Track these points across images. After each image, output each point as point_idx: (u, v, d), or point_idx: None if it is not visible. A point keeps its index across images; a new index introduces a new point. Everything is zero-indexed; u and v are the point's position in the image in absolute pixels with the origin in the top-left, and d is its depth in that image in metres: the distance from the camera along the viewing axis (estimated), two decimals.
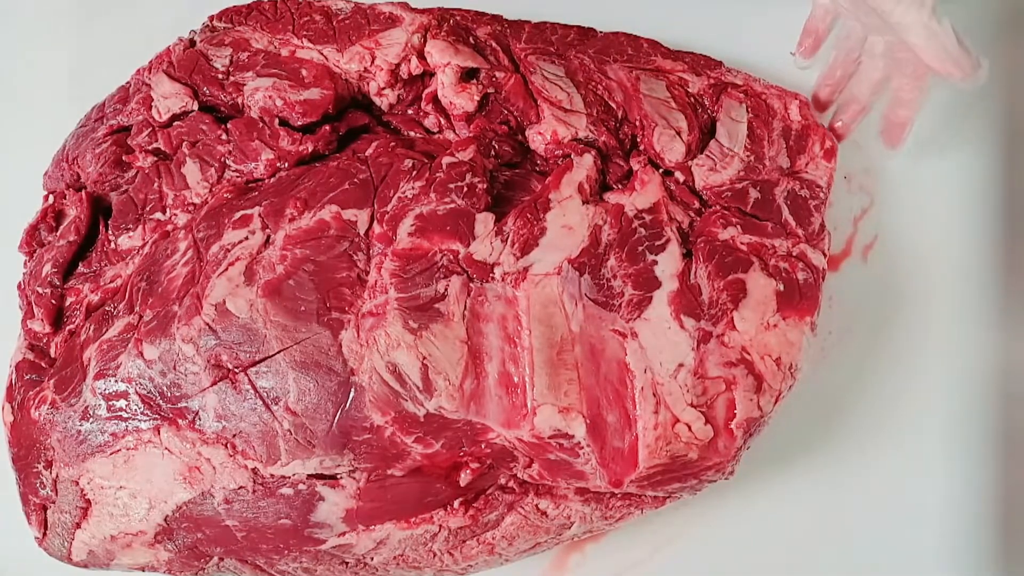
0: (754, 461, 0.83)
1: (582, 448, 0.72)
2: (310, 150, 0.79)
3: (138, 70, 0.84)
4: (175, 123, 0.81)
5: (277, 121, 0.80)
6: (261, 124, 0.80)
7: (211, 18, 0.86)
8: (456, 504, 0.76)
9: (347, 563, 0.78)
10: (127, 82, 0.84)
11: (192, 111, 0.81)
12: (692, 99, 0.82)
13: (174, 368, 0.73)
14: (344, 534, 0.75)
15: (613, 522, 0.80)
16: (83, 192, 0.81)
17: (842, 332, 0.87)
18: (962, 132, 0.89)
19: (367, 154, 0.78)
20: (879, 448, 0.87)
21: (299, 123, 0.80)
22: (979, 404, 0.87)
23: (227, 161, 0.79)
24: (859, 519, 0.86)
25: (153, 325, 0.74)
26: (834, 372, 0.87)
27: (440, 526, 0.76)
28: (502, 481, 0.76)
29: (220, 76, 0.82)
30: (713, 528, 0.86)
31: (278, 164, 0.79)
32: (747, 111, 0.82)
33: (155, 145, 0.81)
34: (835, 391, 0.87)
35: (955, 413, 0.87)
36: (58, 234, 0.80)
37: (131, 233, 0.79)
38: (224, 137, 0.79)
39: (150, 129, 0.81)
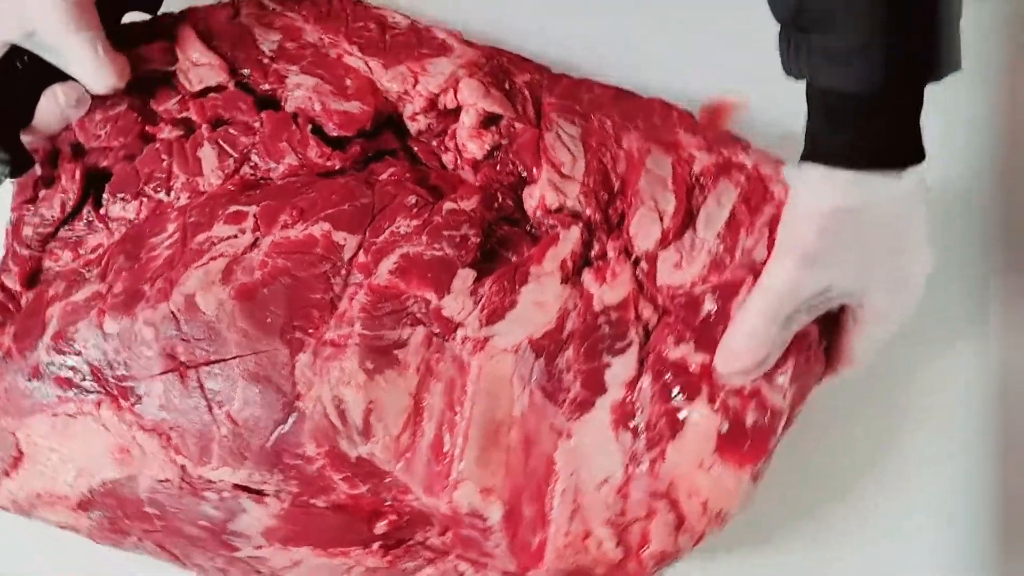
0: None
1: (494, 533, 0.70)
2: (337, 167, 0.78)
3: (160, 18, 0.82)
4: (209, 94, 0.80)
5: (310, 127, 0.78)
6: (294, 125, 0.78)
7: None
8: (375, 546, 0.75)
9: (261, 573, 0.77)
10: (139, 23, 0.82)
11: (227, 87, 0.80)
12: (692, 179, 0.77)
13: (129, 348, 0.73)
14: (261, 547, 0.75)
15: None
16: (79, 164, 0.79)
17: None
18: (962, 132, 0.88)
19: (379, 179, 0.77)
20: (877, 448, 0.85)
21: (334, 133, 0.79)
22: (979, 404, 0.86)
23: (250, 154, 0.78)
24: (857, 519, 0.85)
25: (120, 300, 0.74)
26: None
27: (357, 562, 0.76)
28: (419, 539, 0.75)
29: (265, 60, 0.81)
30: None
31: (300, 171, 0.78)
32: (738, 195, 0.76)
33: (185, 115, 0.80)
34: (833, 390, 0.83)
35: (955, 413, 0.86)
36: (42, 200, 0.80)
37: (127, 205, 0.79)
38: (257, 126, 0.78)
39: (179, 97, 0.80)
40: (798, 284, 0.68)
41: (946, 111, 0.83)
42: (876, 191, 0.65)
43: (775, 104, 0.78)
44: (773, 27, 0.68)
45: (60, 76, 0.75)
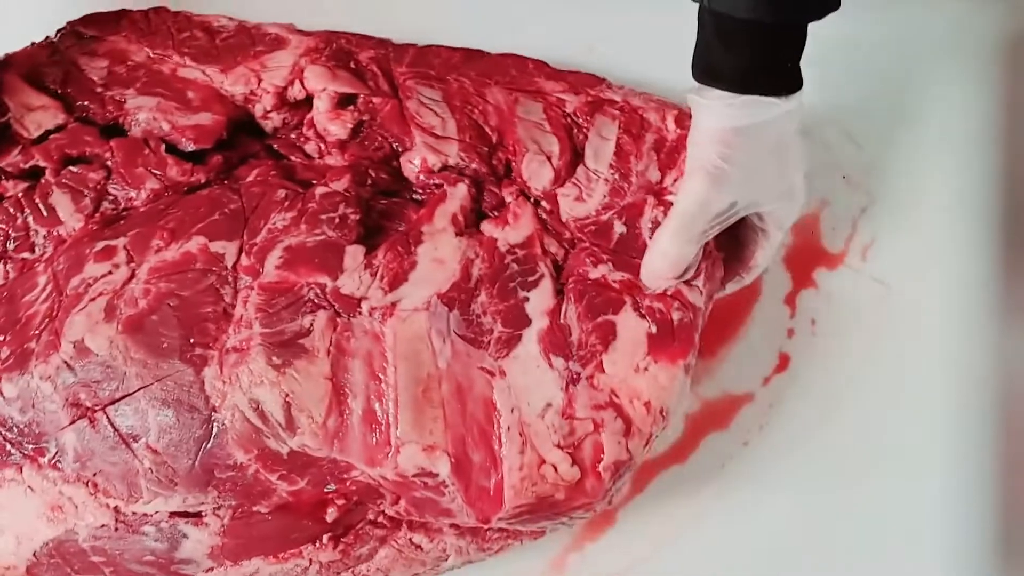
0: (754, 460, 0.84)
1: (447, 487, 0.71)
2: (202, 180, 0.77)
3: None
4: (51, 136, 0.78)
5: (164, 147, 0.77)
6: (146, 149, 0.77)
7: (72, 24, 0.81)
8: (325, 539, 0.75)
9: None
10: None
11: (67, 125, 0.78)
12: (568, 120, 0.80)
13: (32, 406, 0.72)
14: (211, 570, 0.74)
15: (492, 553, 0.80)
16: None
17: (840, 332, 0.87)
18: (962, 131, 0.89)
19: (243, 183, 0.77)
20: (878, 448, 0.86)
21: (190, 149, 0.78)
22: (979, 404, 0.87)
23: (106, 188, 0.76)
24: (858, 519, 0.86)
25: (11, 362, 0.72)
26: (832, 372, 0.87)
27: (310, 561, 0.75)
28: (371, 516, 0.75)
29: (98, 90, 0.79)
30: (713, 527, 0.85)
31: (165, 194, 0.76)
32: (618, 127, 0.80)
33: (32, 163, 0.77)
34: (833, 391, 0.86)
35: (955, 413, 0.87)
36: None
37: None
38: (108, 156, 0.77)
39: (20, 147, 0.78)
40: (708, 202, 0.72)
41: (946, 111, 0.88)
42: (766, 112, 0.70)
43: None
44: None
45: None
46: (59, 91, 0.79)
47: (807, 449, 0.86)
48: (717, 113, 0.71)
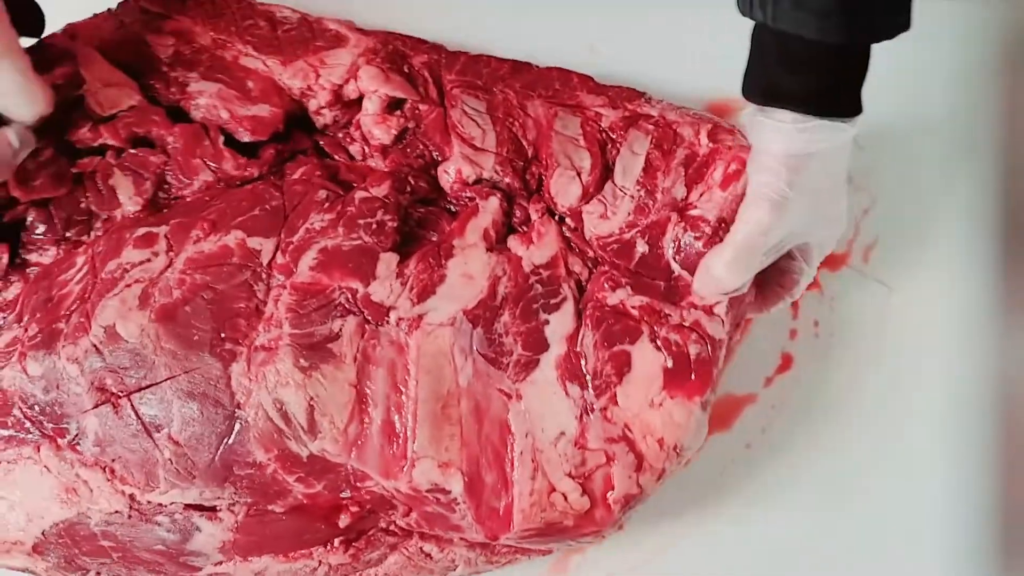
0: (754, 461, 0.84)
1: (458, 504, 0.71)
2: (255, 175, 0.77)
3: (50, 40, 0.77)
4: (120, 114, 0.77)
5: (222, 139, 0.77)
6: (206, 139, 0.77)
7: None
8: (336, 542, 0.75)
9: None
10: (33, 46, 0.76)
11: (136, 105, 0.77)
12: (603, 135, 0.79)
13: (57, 387, 0.72)
14: (220, 563, 0.75)
15: (500, 565, 0.80)
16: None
17: (843, 333, 0.87)
18: (964, 133, 0.89)
19: (288, 179, 0.77)
20: (879, 448, 0.86)
21: (246, 139, 0.78)
22: (979, 404, 0.87)
23: (164, 174, 0.76)
24: (859, 520, 0.86)
25: (38, 340, 0.72)
26: (834, 373, 0.87)
27: (320, 562, 0.76)
28: (383, 524, 0.75)
29: (164, 68, 0.78)
30: (714, 531, 0.86)
31: (217, 187, 0.76)
32: (650, 142, 0.78)
33: (101, 141, 0.76)
34: (835, 392, 0.86)
35: (955, 413, 0.87)
36: None
37: (45, 253, 0.76)
38: (170, 141, 0.76)
39: (90, 123, 0.76)
40: (770, 232, 0.71)
41: (948, 113, 0.87)
42: (837, 137, 0.69)
43: None
44: None
45: None
46: (130, 66, 0.78)
47: (809, 449, 0.86)
48: (788, 137, 0.69)
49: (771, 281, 0.78)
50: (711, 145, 0.78)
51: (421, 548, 0.77)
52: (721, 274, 0.72)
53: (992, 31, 0.90)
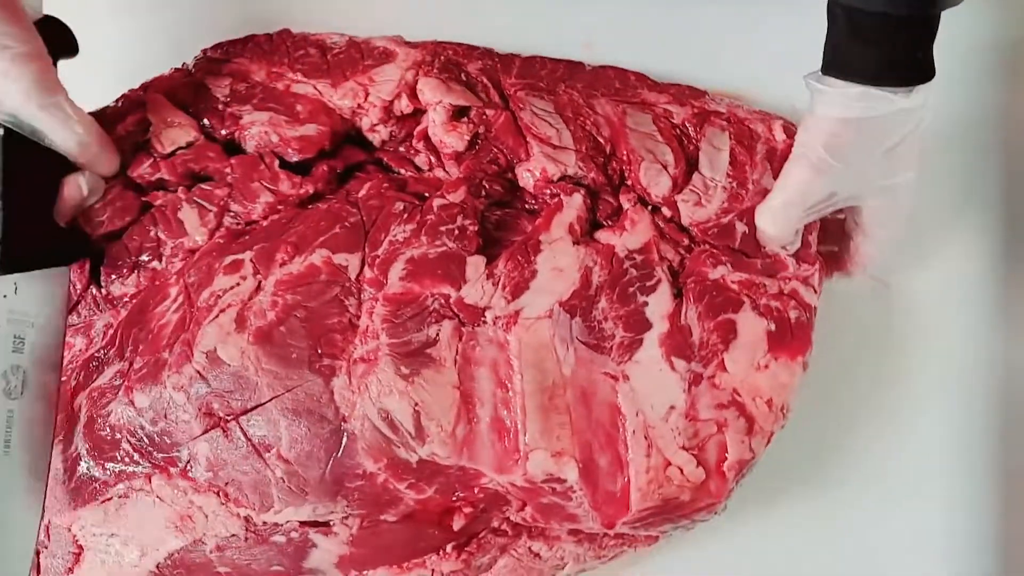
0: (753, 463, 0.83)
1: (574, 492, 0.72)
2: (311, 192, 0.78)
3: (127, 94, 0.82)
4: (178, 151, 0.80)
5: (277, 162, 0.79)
6: (261, 164, 0.79)
7: (205, 51, 0.84)
8: (449, 548, 0.76)
9: None
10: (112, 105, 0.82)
11: (196, 142, 0.80)
12: (677, 131, 0.81)
13: (165, 416, 0.73)
14: None
15: (607, 560, 0.80)
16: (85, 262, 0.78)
17: (843, 333, 0.87)
18: (962, 131, 0.90)
19: (359, 196, 0.78)
20: (879, 450, 0.87)
21: (294, 159, 0.79)
22: (979, 403, 0.87)
23: (228, 205, 0.78)
24: (858, 521, 0.86)
25: (143, 372, 0.74)
26: (834, 373, 0.86)
27: (433, 571, 0.76)
28: (495, 524, 0.76)
29: (220, 107, 0.81)
30: (717, 532, 0.85)
31: (279, 207, 0.78)
32: (729, 138, 0.81)
33: (158, 176, 0.79)
34: (834, 390, 0.87)
35: (955, 414, 0.87)
36: None
37: (125, 280, 0.78)
38: (228, 172, 0.79)
39: (151, 160, 0.79)
40: (807, 192, 0.74)
41: (947, 112, 0.87)
42: (883, 107, 0.71)
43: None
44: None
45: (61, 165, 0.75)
46: (190, 108, 0.81)
47: (804, 449, 0.86)
48: (832, 101, 0.71)
49: (840, 249, 0.81)
50: (787, 140, 0.80)
51: (530, 548, 0.77)
52: (764, 226, 0.76)
53: (992, 33, 0.91)
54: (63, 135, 0.73)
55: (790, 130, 0.81)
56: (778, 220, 0.76)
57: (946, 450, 0.87)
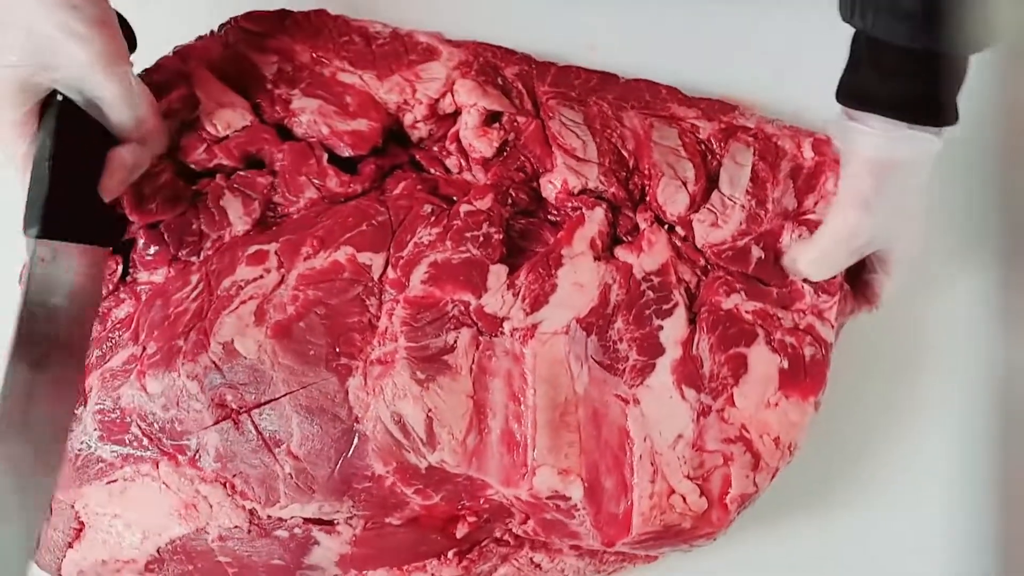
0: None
1: (578, 510, 0.71)
2: (358, 191, 0.78)
3: (161, 61, 0.78)
4: (233, 134, 0.78)
5: (326, 157, 0.78)
6: (311, 157, 0.77)
7: (236, 20, 0.81)
8: (450, 555, 0.76)
9: None
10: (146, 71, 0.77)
11: (249, 125, 0.78)
12: (702, 146, 0.80)
13: (176, 404, 0.73)
14: None
15: (608, 575, 0.80)
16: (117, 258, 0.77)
17: (843, 338, 0.85)
18: (963, 135, 0.88)
19: (391, 195, 0.77)
20: (879, 449, 0.87)
21: (346, 154, 0.78)
22: (980, 408, 0.87)
23: (271, 194, 0.77)
24: (858, 522, 0.86)
25: (157, 358, 0.73)
26: (834, 378, 0.84)
27: (432, 575, 0.76)
28: (497, 534, 0.76)
29: (269, 87, 0.79)
30: (712, 550, 0.83)
31: (320, 204, 0.77)
32: (753, 154, 0.80)
33: (216, 161, 0.77)
34: (835, 396, 0.84)
35: (955, 414, 0.87)
36: None
37: (156, 272, 0.76)
38: (279, 159, 0.77)
39: (205, 145, 0.77)
40: (855, 236, 0.73)
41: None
42: (921, 146, 0.70)
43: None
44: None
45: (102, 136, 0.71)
46: (239, 86, 0.78)
47: (805, 454, 0.83)
48: (875, 142, 0.70)
49: (855, 290, 0.80)
50: (816, 157, 0.79)
51: (531, 559, 0.77)
52: (805, 270, 0.75)
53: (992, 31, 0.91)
54: (121, 108, 0.69)
55: (820, 146, 0.80)
56: (822, 264, 0.75)
57: (947, 450, 0.86)
